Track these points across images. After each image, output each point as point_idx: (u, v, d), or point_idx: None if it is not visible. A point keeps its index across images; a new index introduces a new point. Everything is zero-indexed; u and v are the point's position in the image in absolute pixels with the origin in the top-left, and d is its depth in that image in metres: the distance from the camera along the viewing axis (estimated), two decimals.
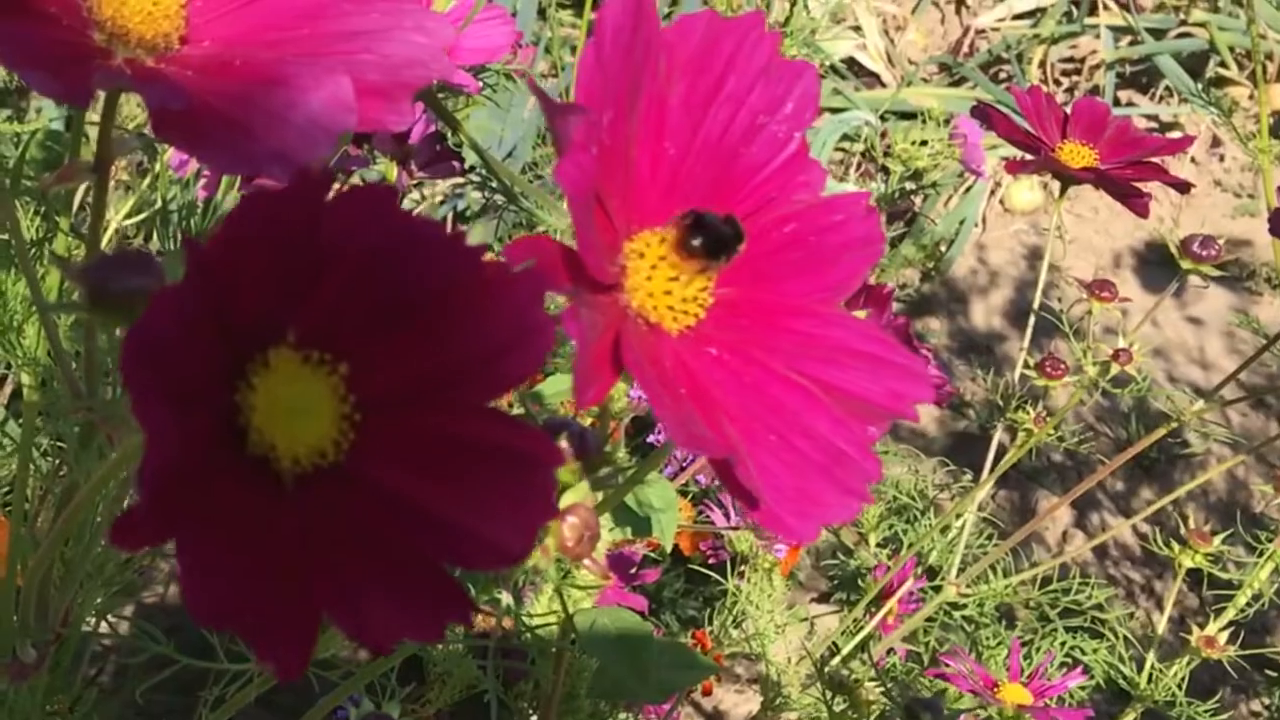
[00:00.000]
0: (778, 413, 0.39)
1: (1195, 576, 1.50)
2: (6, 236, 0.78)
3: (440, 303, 0.34)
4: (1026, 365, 1.02)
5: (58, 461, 0.89)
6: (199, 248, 0.31)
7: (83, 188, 1.04)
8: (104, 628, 1.08)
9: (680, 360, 0.39)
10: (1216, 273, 0.94)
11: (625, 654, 0.70)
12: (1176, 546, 1.05)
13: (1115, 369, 0.97)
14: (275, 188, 0.32)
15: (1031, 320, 1.03)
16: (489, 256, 0.35)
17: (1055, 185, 0.96)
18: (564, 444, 0.45)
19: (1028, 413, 1.03)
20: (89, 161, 0.46)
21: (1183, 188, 0.92)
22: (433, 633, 0.33)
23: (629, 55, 0.39)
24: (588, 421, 0.66)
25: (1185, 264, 0.94)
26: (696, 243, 0.40)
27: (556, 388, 0.79)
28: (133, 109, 1.10)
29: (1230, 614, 1.04)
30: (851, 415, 0.40)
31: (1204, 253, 0.94)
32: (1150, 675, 1.06)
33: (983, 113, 0.96)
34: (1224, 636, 1.02)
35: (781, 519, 0.37)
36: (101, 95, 0.44)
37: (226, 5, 0.44)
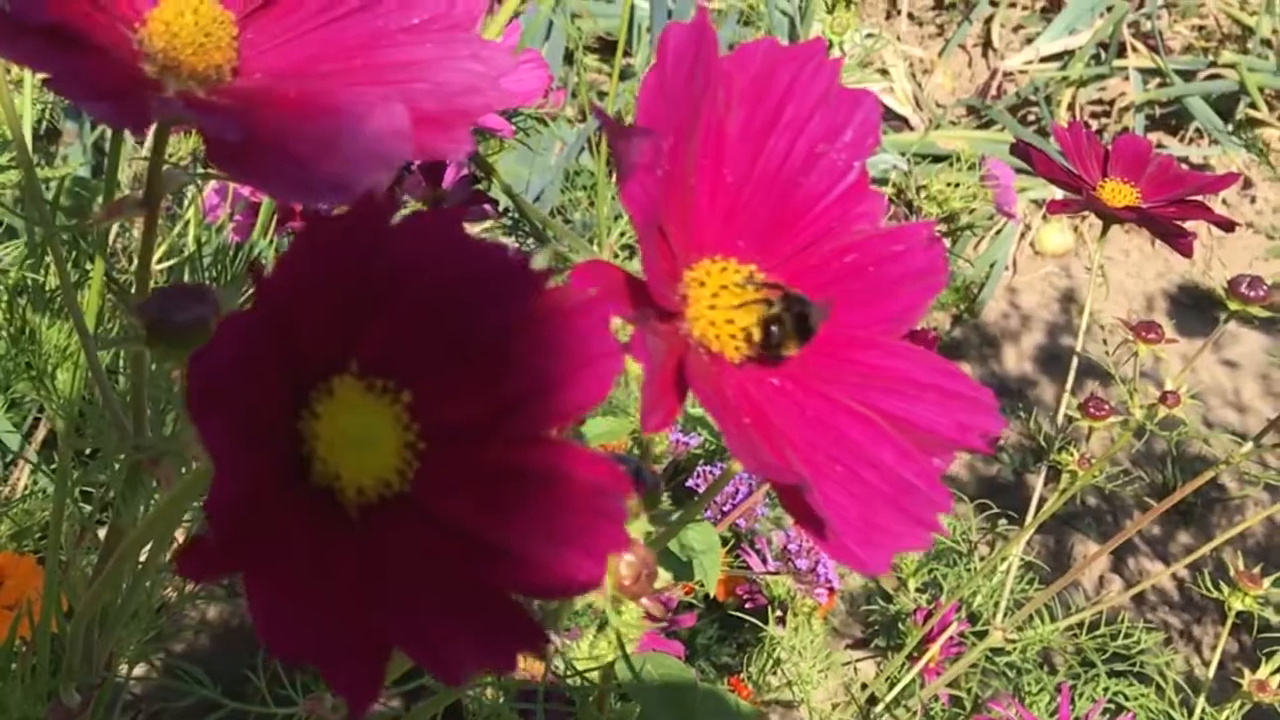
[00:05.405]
0: (842, 444, 0.39)
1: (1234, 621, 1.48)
2: (40, 279, 0.78)
3: (505, 328, 0.34)
4: (1069, 407, 1.01)
5: (89, 508, 0.88)
6: (264, 274, 0.30)
7: (114, 233, 1.04)
8: (135, 676, 1.07)
9: (743, 390, 0.39)
10: (1265, 313, 0.93)
11: (669, 701, 0.69)
12: (1225, 589, 1.03)
13: (1162, 412, 0.95)
14: (339, 214, 0.31)
15: (1074, 362, 1.02)
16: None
17: (1086, 227, 0.95)
18: None
19: (1072, 454, 1.01)
20: (137, 196, 0.45)
21: (1227, 226, 0.91)
22: (505, 662, 0.32)
23: (690, 82, 0.38)
24: None
25: (1233, 304, 0.93)
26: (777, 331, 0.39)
27: (599, 430, 0.78)
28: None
29: None
30: (917, 447, 0.39)
31: (1252, 293, 0.93)
32: None
33: (1023, 151, 0.95)
34: (1276, 681, 1.00)
35: (850, 550, 0.36)
36: (152, 131, 0.43)
37: (279, 37, 0.44)
